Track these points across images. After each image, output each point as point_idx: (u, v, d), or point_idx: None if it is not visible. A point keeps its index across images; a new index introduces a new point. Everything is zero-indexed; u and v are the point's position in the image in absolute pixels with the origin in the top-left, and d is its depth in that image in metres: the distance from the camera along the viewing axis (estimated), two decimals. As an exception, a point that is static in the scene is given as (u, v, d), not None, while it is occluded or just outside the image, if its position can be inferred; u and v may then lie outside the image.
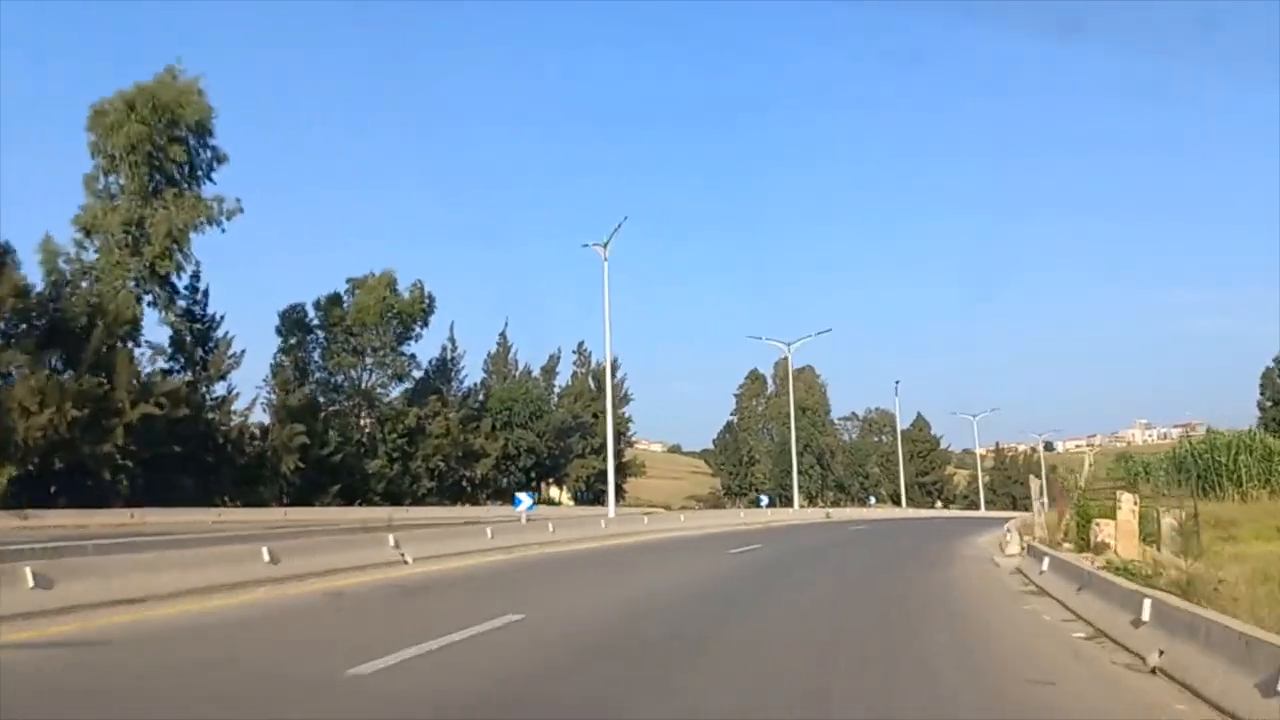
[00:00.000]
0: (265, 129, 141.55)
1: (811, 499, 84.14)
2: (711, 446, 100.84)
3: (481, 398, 57.83)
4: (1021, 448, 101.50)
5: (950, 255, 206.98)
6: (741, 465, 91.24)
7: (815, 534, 31.00)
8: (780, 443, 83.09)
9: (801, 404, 78.32)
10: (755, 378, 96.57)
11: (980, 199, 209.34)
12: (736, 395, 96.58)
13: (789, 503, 66.20)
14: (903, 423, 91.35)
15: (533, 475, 58.40)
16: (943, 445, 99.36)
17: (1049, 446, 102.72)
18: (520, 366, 65.53)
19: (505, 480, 54.91)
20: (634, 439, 77.28)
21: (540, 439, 58.60)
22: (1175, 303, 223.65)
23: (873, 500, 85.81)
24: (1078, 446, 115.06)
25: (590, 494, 63.58)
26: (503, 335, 65.87)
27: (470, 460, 52.01)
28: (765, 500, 65.22)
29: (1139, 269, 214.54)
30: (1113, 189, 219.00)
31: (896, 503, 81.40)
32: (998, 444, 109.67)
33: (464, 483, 52.27)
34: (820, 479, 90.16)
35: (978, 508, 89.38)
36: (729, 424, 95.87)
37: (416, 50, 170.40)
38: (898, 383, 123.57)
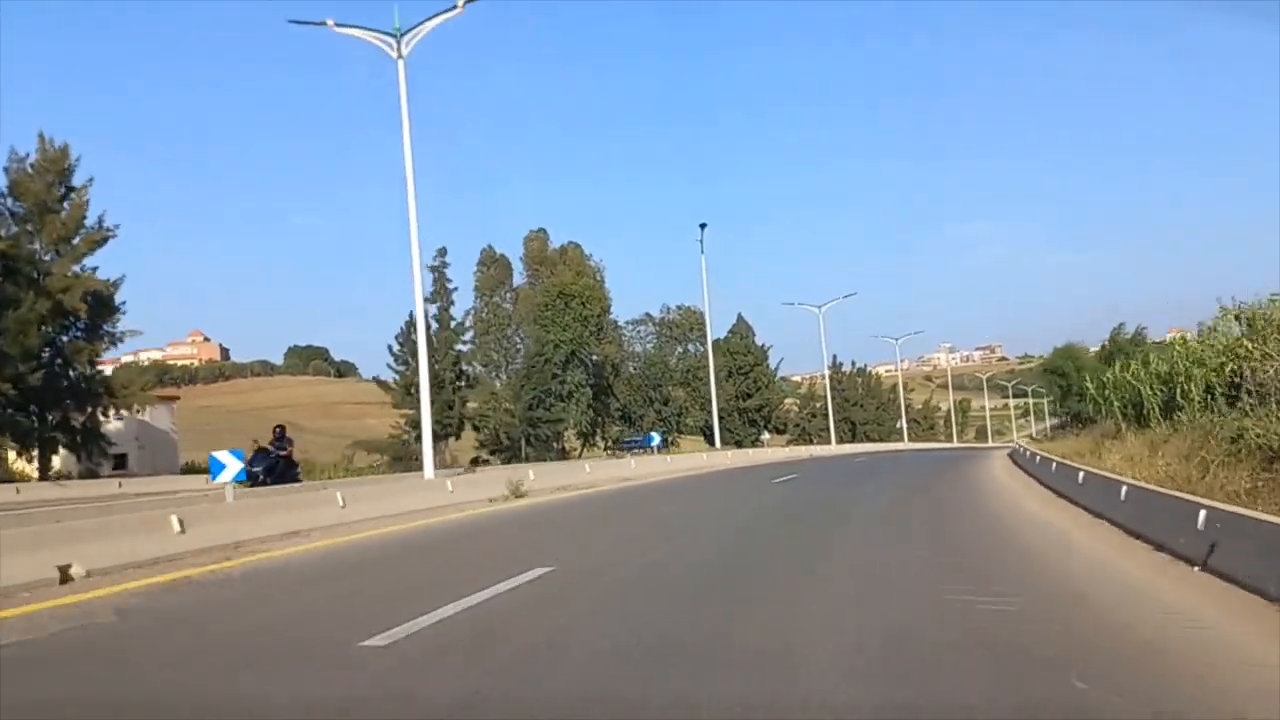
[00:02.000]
0: None
1: (587, 436, 61.52)
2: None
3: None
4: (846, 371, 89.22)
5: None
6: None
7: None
8: (541, 353, 54.93)
9: (565, 291, 56.25)
10: (493, 260, 61.41)
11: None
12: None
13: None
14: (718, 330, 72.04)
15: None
16: (771, 362, 78.48)
17: (862, 371, 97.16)
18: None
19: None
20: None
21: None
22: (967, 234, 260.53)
23: (765, 435, 71.39)
24: (889, 371, 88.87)
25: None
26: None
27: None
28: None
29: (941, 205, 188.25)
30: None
31: (709, 439, 55.80)
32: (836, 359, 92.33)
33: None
34: (589, 404, 58.52)
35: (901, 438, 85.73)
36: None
37: None
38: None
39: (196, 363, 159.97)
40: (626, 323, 71.49)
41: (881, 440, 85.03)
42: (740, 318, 77.76)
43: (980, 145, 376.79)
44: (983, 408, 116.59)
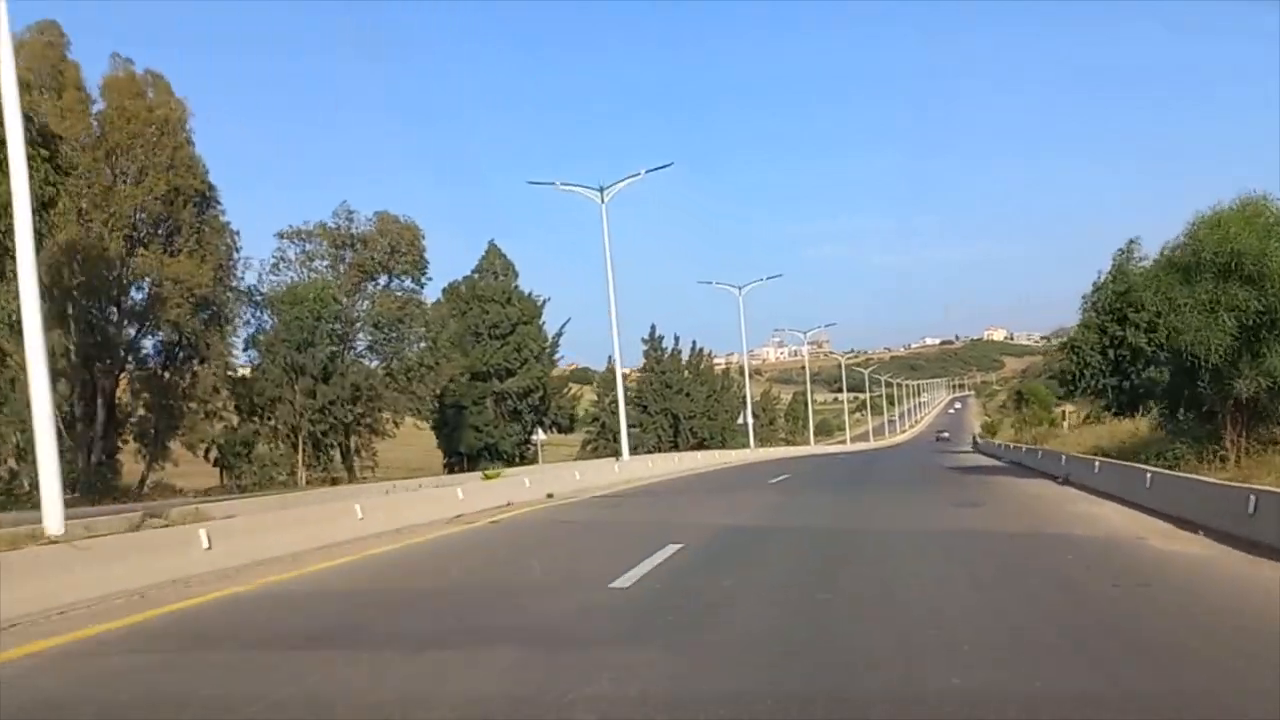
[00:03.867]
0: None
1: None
2: None
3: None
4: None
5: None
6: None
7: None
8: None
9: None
10: None
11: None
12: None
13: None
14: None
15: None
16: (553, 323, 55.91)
17: (697, 352, 76.83)
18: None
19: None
20: None
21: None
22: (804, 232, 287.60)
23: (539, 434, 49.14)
24: (718, 364, 68.49)
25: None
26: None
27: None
28: None
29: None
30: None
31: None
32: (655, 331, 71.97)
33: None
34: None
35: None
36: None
37: None
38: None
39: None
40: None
41: (722, 443, 68.51)
42: (494, 247, 52.16)
43: (822, 146, 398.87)
44: (826, 402, 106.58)
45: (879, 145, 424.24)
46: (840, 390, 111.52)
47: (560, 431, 58.81)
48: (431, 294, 46.60)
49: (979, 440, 76.45)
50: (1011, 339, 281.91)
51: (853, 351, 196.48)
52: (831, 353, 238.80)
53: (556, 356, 54.27)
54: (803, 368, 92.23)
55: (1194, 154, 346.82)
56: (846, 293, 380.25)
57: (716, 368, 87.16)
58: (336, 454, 39.85)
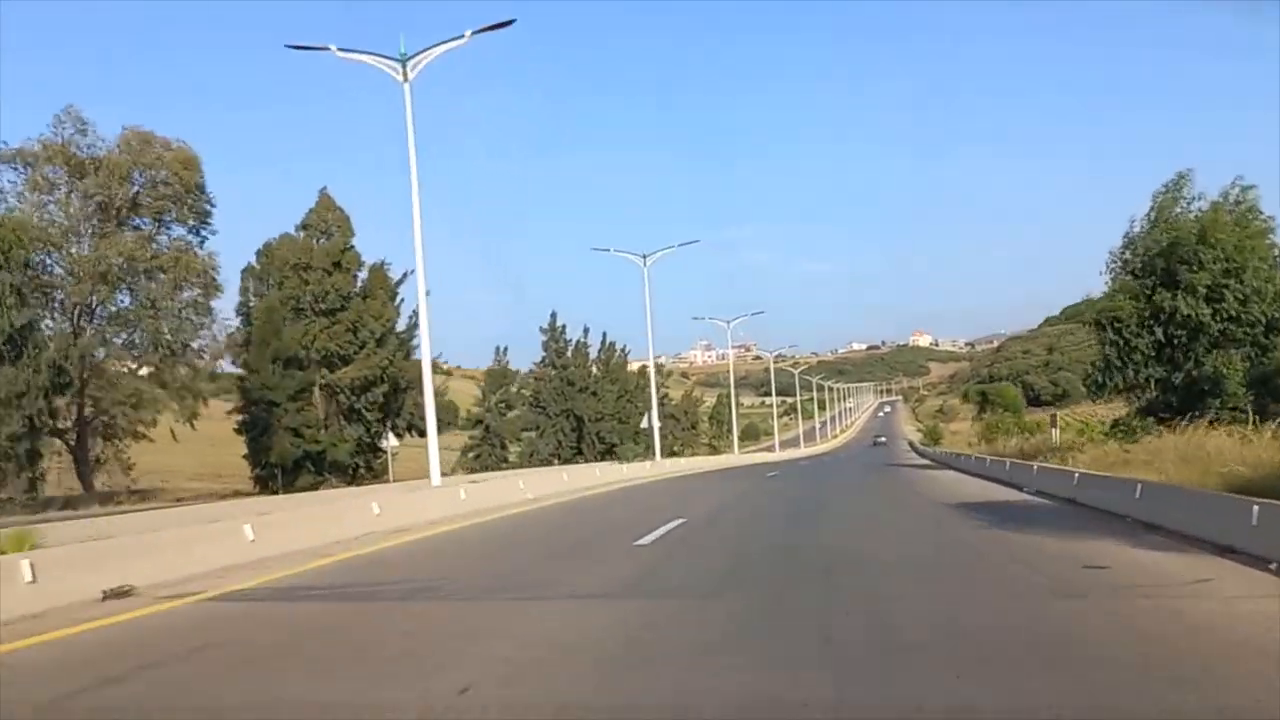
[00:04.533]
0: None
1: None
2: None
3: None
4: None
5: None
6: None
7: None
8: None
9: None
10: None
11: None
12: None
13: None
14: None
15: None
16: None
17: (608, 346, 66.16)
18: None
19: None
20: None
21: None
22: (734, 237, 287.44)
23: (390, 439, 39.39)
24: (643, 366, 54.14)
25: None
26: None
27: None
28: None
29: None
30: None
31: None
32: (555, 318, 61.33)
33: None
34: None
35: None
36: None
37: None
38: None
39: None
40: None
41: (621, 454, 58.23)
42: (326, 197, 40.18)
43: (756, 151, 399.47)
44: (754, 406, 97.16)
45: (802, 146, 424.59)
46: (769, 394, 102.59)
47: (420, 435, 46.53)
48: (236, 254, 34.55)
49: (919, 446, 67.84)
50: (937, 345, 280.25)
51: (780, 354, 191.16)
52: (759, 356, 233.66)
53: (414, 343, 41.46)
54: (729, 371, 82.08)
55: (1137, 153, 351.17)
56: (773, 297, 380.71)
57: (635, 366, 76.49)
58: (51, 463, 27.62)
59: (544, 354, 64.21)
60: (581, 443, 62.52)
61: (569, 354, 63.86)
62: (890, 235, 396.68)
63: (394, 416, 41.38)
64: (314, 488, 34.59)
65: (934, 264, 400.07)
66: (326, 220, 38.83)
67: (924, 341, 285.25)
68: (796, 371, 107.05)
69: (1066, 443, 26.59)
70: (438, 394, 47.78)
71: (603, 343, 67.18)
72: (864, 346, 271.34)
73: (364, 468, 41.35)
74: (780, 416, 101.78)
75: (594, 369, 65.36)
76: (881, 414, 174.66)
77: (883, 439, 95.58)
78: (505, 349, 64.42)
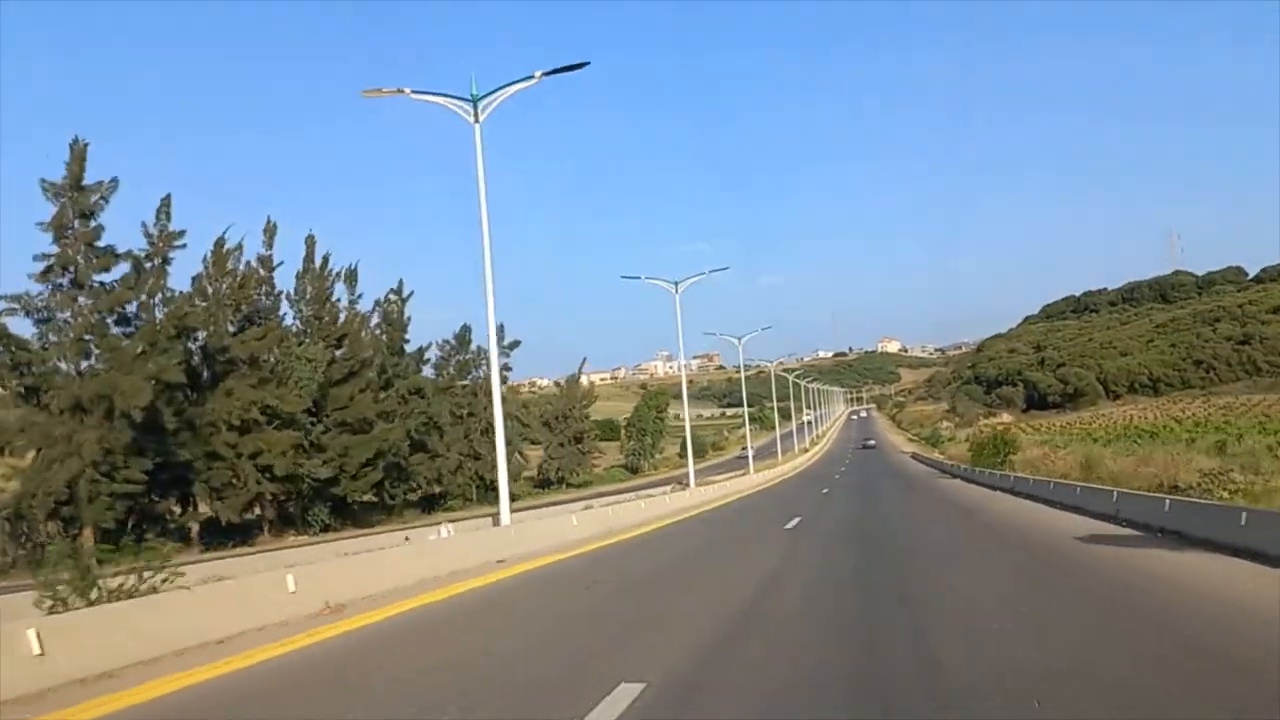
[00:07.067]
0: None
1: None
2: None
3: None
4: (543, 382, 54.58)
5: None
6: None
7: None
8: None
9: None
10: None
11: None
12: None
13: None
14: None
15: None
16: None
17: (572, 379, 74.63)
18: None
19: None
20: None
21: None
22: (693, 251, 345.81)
23: None
24: (601, 379, 48.50)
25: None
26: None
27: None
28: None
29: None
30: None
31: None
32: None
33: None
34: None
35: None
36: None
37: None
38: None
39: None
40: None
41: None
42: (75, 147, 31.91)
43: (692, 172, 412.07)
44: (713, 417, 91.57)
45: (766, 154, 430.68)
46: (730, 405, 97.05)
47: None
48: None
49: (941, 462, 58.75)
50: (906, 351, 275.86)
51: (748, 365, 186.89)
52: (721, 366, 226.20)
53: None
54: (691, 382, 76.24)
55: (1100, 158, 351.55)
56: (735, 311, 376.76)
57: (604, 382, 71.75)
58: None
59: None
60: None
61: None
62: (854, 244, 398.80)
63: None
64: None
65: (901, 270, 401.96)
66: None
67: (893, 347, 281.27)
68: (773, 367, 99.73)
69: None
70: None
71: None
72: (830, 354, 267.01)
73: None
74: (736, 429, 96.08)
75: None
76: (855, 418, 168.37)
77: (872, 442, 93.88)
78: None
